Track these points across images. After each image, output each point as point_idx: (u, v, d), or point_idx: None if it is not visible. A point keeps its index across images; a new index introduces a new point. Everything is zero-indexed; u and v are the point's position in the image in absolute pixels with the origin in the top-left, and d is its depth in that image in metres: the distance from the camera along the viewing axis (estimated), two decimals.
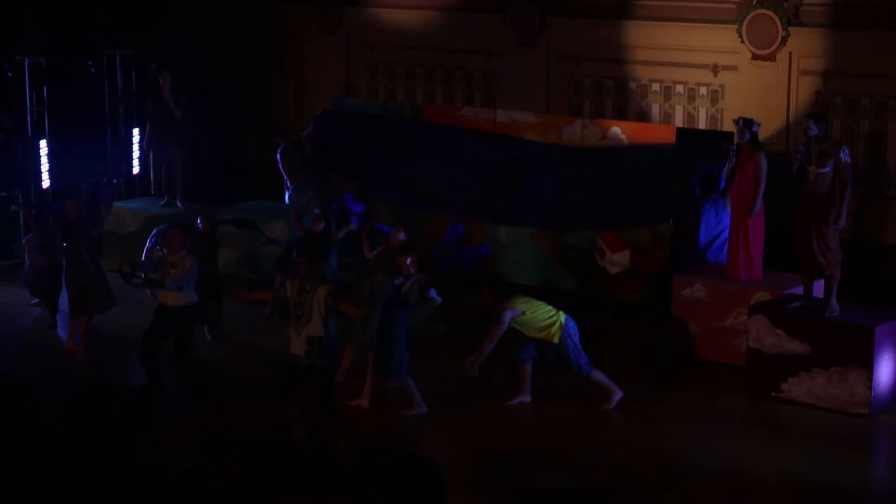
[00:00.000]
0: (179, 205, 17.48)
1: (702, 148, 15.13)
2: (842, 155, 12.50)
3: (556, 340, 12.31)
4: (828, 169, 12.53)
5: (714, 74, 16.80)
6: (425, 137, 16.61)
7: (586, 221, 15.57)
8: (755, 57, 16.39)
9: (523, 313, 12.26)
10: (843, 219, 12.53)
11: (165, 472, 11.23)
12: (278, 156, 17.40)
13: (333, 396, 11.44)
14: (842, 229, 12.65)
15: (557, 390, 12.96)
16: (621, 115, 17.35)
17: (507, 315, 12.23)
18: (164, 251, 12.88)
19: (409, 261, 12.64)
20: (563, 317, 12.38)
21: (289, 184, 17.56)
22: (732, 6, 16.50)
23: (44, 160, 18.30)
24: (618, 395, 12.61)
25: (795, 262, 13.09)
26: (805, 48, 16.07)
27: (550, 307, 12.49)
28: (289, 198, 17.52)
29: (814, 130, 12.60)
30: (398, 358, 12.30)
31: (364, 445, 11.21)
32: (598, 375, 12.56)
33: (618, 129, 15.76)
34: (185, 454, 11.54)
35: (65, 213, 14.25)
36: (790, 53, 16.18)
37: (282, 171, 17.37)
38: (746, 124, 13.72)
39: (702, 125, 16.82)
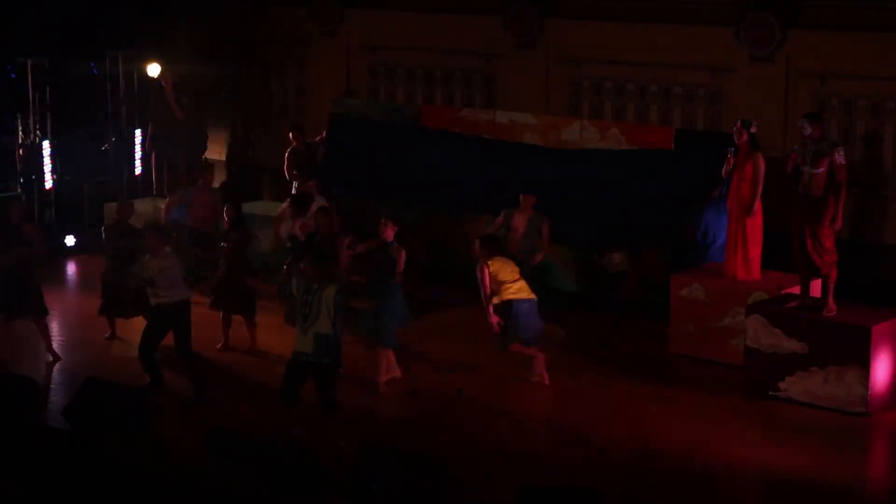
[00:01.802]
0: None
1: (702, 150, 15.22)
2: (836, 156, 12.58)
3: (504, 298, 12.87)
4: (822, 169, 12.62)
5: (712, 76, 16.87)
6: (434, 145, 16.70)
7: (587, 239, 15.72)
8: (753, 58, 16.46)
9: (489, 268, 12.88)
10: (839, 219, 12.62)
11: (165, 470, 11.27)
12: (286, 154, 17.43)
13: (335, 394, 11.54)
14: (838, 230, 12.73)
15: (557, 390, 13.06)
16: (620, 116, 17.42)
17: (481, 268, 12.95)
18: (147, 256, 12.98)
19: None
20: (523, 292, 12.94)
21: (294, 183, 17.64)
22: (731, 8, 16.58)
23: (46, 161, 18.41)
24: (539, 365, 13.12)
25: (792, 262, 13.19)
26: (803, 49, 16.14)
27: (518, 275, 13.06)
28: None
29: (808, 130, 12.69)
30: (389, 324, 12.81)
31: (365, 443, 11.30)
32: (524, 350, 13.09)
33: (616, 131, 15.87)
34: (186, 453, 11.62)
35: (9, 217, 14.07)
36: (788, 55, 16.25)
37: (286, 170, 17.37)
38: (744, 125, 13.80)
39: (700, 126, 16.90)
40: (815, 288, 13.06)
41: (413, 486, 10.47)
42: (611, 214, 15.48)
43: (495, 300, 12.83)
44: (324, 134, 17.71)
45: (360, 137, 17.33)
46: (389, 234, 13.05)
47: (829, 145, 12.74)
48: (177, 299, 12.71)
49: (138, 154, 19.28)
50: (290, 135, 17.51)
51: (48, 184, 18.47)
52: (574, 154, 15.89)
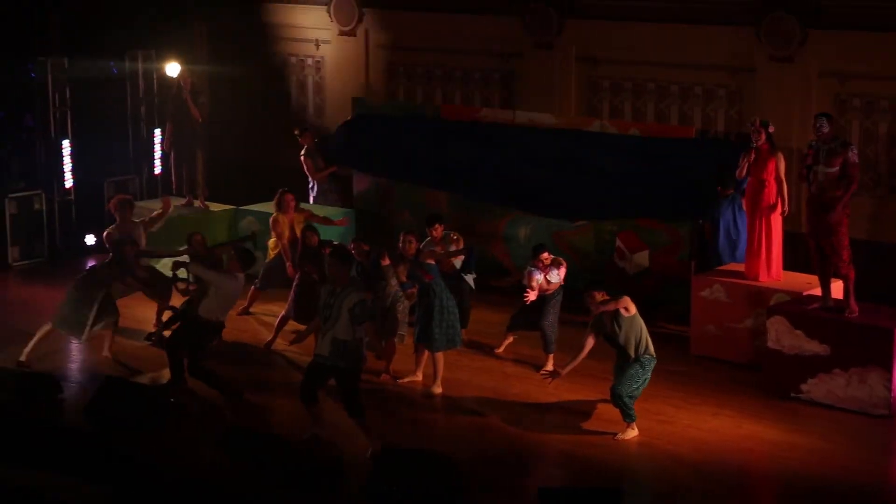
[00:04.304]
0: (200, 205, 17.59)
1: (720, 146, 15.21)
2: (850, 154, 12.56)
3: None
4: (836, 168, 12.59)
5: (732, 76, 16.83)
6: (452, 132, 16.79)
7: (604, 212, 15.73)
8: (773, 58, 16.41)
9: None
10: (838, 211, 12.53)
11: (182, 469, 11.29)
12: (301, 156, 17.54)
13: (360, 398, 11.53)
14: (836, 222, 12.65)
15: (577, 390, 13.04)
16: (640, 116, 17.39)
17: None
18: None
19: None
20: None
21: (312, 185, 17.71)
22: (751, 8, 16.53)
23: (66, 160, 18.45)
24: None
25: (810, 263, 13.17)
26: (824, 49, 16.08)
27: None
28: (313, 199, 17.69)
29: (826, 128, 12.67)
30: (437, 329, 12.93)
31: (384, 444, 11.31)
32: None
33: (636, 131, 15.86)
34: (204, 452, 11.63)
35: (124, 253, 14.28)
36: (809, 55, 16.19)
37: (306, 171, 17.52)
38: (762, 125, 13.78)
39: (720, 127, 16.86)
40: (837, 289, 13.01)
41: (432, 486, 10.47)
42: (628, 192, 15.48)
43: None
44: (337, 130, 17.79)
45: (380, 123, 17.42)
46: (412, 249, 13.29)
47: (841, 144, 12.72)
48: (215, 318, 12.82)
49: (158, 153, 19.31)
50: (300, 137, 17.55)
51: (68, 183, 18.51)
52: (593, 138, 15.88)
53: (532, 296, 13.51)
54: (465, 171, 16.64)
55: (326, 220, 15.95)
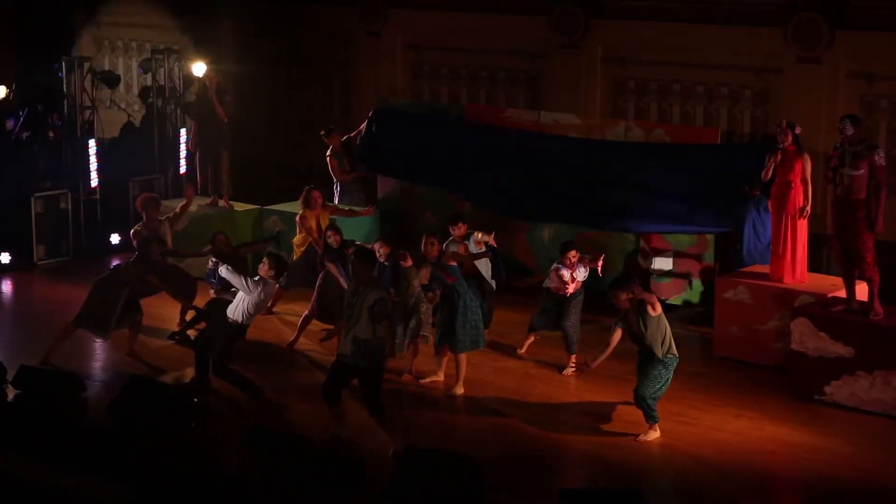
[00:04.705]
0: (225, 204, 17.63)
1: (746, 150, 15.15)
2: (876, 157, 12.49)
3: None
4: (862, 171, 12.52)
5: (759, 77, 16.76)
6: (474, 139, 16.74)
7: (636, 225, 15.67)
8: (801, 59, 16.34)
9: None
10: (880, 221, 12.49)
11: (205, 468, 11.30)
12: (327, 157, 17.57)
13: (380, 398, 11.54)
14: (879, 231, 12.60)
15: (600, 392, 13.02)
16: (665, 117, 17.35)
17: None
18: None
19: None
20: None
21: (337, 185, 17.72)
22: (778, 8, 16.46)
23: (92, 159, 18.53)
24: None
25: (836, 265, 13.09)
26: (851, 50, 16.01)
27: None
28: (338, 200, 17.70)
29: (851, 130, 12.59)
30: (459, 330, 12.92)
31: (406, 444, 11.30)
32: None
33: (662, 132, 15.80)
34: (227, 451, 11.65)
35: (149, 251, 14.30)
36: (836, 55, 16.12)
37: (331, 172, 17.54)
38: (789, 126, 13.72)
39: (746, 128, 16.79)
40: (862, 292, 12.93)
41: (453, 486, 10.45)
42: (653, 202, 15.41)
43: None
44: (361, 128, 17.80)
45: (403, 120, 17.41)
46: (434, 251, 13.21)
47: (867, 147, 12.64)
48: (241, 321, 12.80)
49: (183, 153, 19.37)
50: (326, 138, 17.57)
51: (94, 182, 18.59)
52: (616, 146, 15.81)
53: (571, 289, 13.62)
54: (490, 184, 16.56)
55: (352, 212, 16.08)
